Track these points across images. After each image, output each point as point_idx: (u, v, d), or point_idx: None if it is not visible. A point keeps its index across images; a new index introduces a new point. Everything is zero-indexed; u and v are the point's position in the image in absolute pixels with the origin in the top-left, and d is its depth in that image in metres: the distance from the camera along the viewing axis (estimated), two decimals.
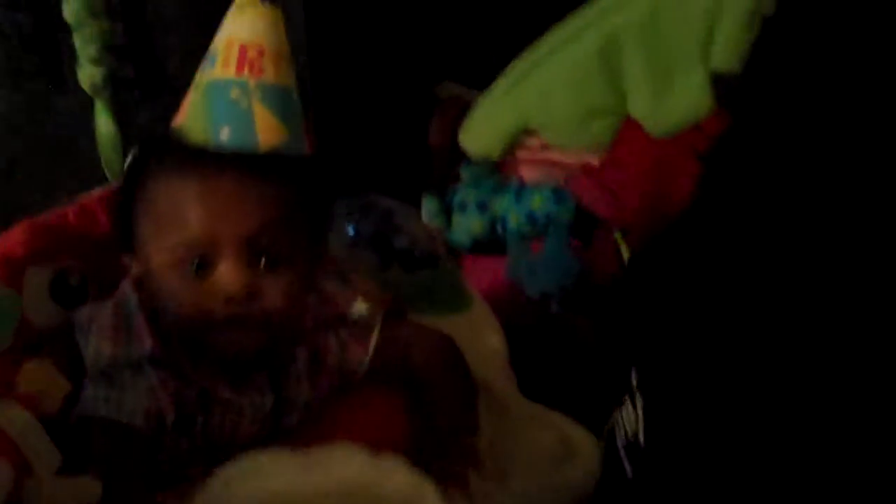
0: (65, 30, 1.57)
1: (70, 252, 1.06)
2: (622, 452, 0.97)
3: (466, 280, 1.26)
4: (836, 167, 0.88)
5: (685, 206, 1.04)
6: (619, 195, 1.50)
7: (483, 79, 1.96)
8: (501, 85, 0.98)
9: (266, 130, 0.97)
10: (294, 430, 0.99)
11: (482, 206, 1.56)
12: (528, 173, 1.68)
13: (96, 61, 1.33)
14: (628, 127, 0.97)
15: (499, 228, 1.54)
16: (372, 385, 1.03)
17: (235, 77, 0.99)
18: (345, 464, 0.75)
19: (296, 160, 0.98)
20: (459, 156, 1.90)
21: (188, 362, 0.96)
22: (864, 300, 0.84)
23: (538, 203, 1.49)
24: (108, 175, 1.40)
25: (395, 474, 0.77)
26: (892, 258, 0.84)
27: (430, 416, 1.01)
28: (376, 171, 1.78)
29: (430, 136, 1.98)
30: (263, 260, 0.94)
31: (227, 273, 0.93)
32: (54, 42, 1.60)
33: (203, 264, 0.93)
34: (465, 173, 1.63)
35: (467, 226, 1.55)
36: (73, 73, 1.62)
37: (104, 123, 1.34)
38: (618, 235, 1.46)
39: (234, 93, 0.99)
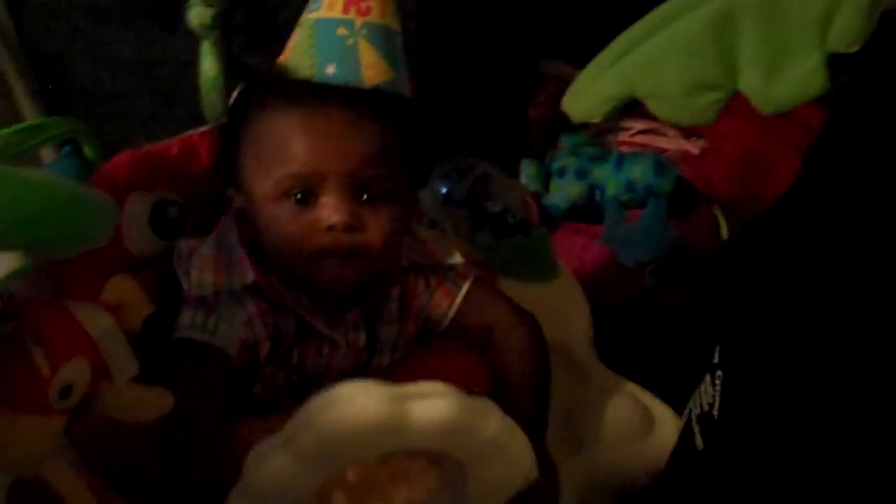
0: None
1: (171, 184, 1.08)
2: (694, 424, 0.96)
3: (557, 249, 1.25)
4: None
5: (782, 192, 1.02)
6: (713, 177, 1.49)
7: (587, 58, 1.98)
8: (609, 53, 0.97)
9: (371, 67, 0.99)
10: (383, 371, 1.01)
11: (581, 173, 1.56)
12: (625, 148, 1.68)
13: (207, 1, 1.33)
14: (727, 112, 0.95)
15: (597, 195, 1.54)
16: (459, 343, 1.04)
17: (342, 16, 1.01)
18: (438, 400, 0.73)
19: (399, 99, 0.99)
20: (557, 131, 1.90)
21: (288, 295, 0.98)
22: None
23: (639, 173, 1.49)
24: (206, 117, 1.43)
25: (489, 416, 0.76)
26: None
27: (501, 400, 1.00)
28: (476, 136, 1.80)
29: (531, 110, 1.98)
30: (365, 195, 0.95)
31: (330, 204, 0.94)
32: None
33: (306, 196, 0.95)
34: (564, 142, 1.63)
35: (565, 191, 1.56)
36: (185, 16, 1.66)
37: (209, 65, 1.36)
38: (717, 210, 1.44)
39: (341, 30, 1.00)
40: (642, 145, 1.72)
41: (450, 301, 1.04)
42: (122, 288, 0.90)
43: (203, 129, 1.15)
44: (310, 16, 1.02)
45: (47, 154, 1.53)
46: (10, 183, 0.73)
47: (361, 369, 1.01)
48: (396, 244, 0.99)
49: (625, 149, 1.69)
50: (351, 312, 1.00)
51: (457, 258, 1.05)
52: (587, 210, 1.56)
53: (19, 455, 0.78)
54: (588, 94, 0.99)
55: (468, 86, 1.82)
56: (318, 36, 1.01)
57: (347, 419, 0.71)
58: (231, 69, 1.49)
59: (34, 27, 1.79)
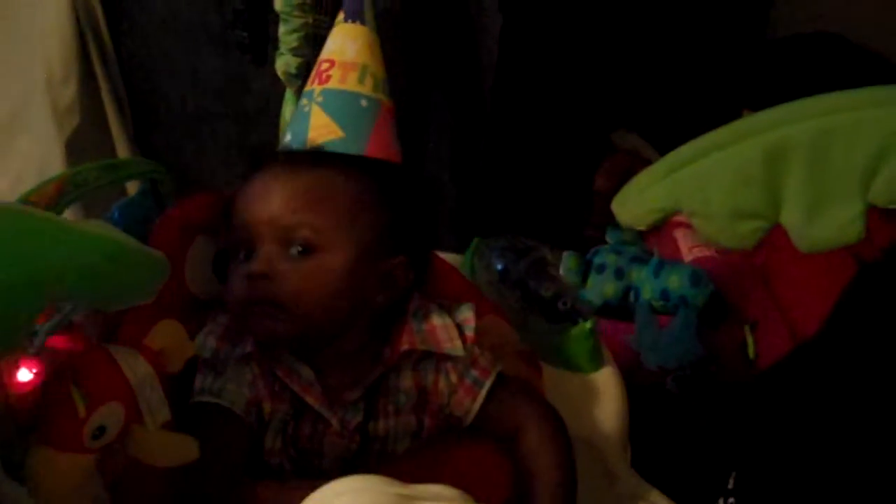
0: (276, 14, 1.67)
1: None
2: None
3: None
4: None
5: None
6: (778, 292, 1.49)
7: (657, 132, 2.00)
8: (662, 165, 1.00)
9: (317, 129, 1.07)
10: (394, 458, 1.00)
11: (619, 272, 1.58)
12: (681, 236, 1.68)
13: (295, 51, 1.38)
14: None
15: (631, 296, 1.56)
16: (482, 440, 1.01)
17: (309, 88, 1.11)
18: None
19: (349, 157, 1.03)
20: None
21: (283, 367, 0.98)
22: None
23: (675, 282, 1.51)
24: None
25: None
26: None
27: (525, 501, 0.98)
28: (540, 203, 1.82)
29: (598, 180, 1.99)
30: (297, 248, 0.95)
31: (255, 256, 0.96)
32: (264, 23, 1.70)
33: (249, 253, 0.97)
34: (610, 237, 1.65)
35: (601, 287, 1.58)
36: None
37: (290, 112, 1.39)
38: (747, 329, 1.45)
39: (304, 101, 1.11)
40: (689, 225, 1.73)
41: (472, 399, 1.01)
42: (167, 333, 0.94)
43: None
44: None
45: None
46: (69, 236, 0.77)
47: (359, 453, 1.00)
48: (324, 298, 0.96)
49: (679, 230, 1.70)
50: (349, 391, 0.99)
51: (459, 350, 1.00)
52: (620, 308, 1.58)
53: (51, 489, 0.82)
54: (637, 202, 1.02)
55: (537, 152, 1.85)
56: (294, 111, 1.13)
57: None
58: None
59: (129, 45, 1.86)
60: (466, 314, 1.03)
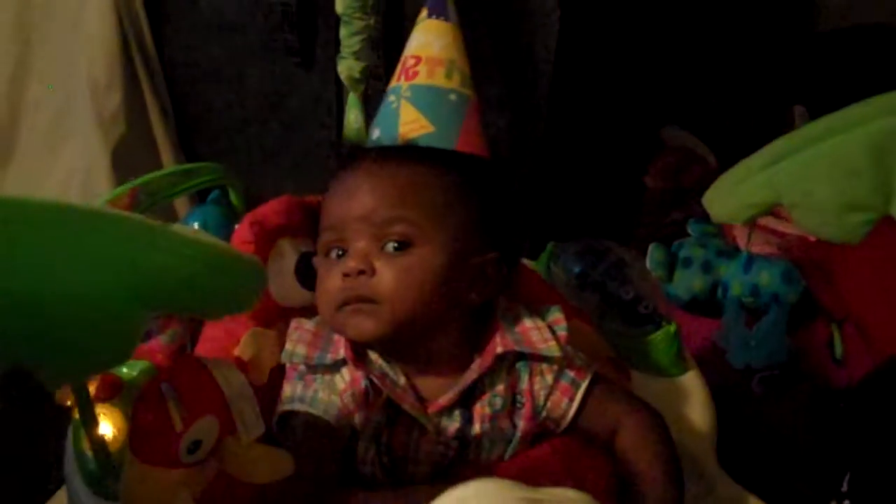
0: (324, 16, 1.65)
1: None
2: None
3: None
4: None
5: None
6: (843, 292, 1.46)
7: (715, 132, 1.98)
8: (759, 158, 0.96)
9: (408, 124, 1.06)
10: (492, 464, 0.97)
11: (706, 267, 1.54)
12: (739, 233, 1.66)
13: (357, 54, 1.36)
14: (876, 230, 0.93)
15: (719, 292, 1.53)
16: (578, 440, 0.99)
17: (395, 84, 1.11)
18: None
19: (440, 152, 1.02)
20: (672, 200, 1.89)
21: (379, 372, 0.96)
22: None
23: (766, 279, 1.47)
24: None
25: None
26: None
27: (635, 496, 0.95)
28: (592, 201, 1.79)
29: (648, 177, 1.97)
30: (389, 244, 0.94)
31: (350, 254, 0.95)
32: (313, 25, 1.68)
33: (341, 252, 0.96)
34: (692, 230, 1.62)
35: (689, 283, 1.54)
36: (323, 56, 1.69)
37: (353, 116, 1.38)
38: (834, 328, 1.42)
39: (391, 97, 1.10)
40: (763, 227, 1.70)
41: (569, 400, 0.99)
42: (257, 343, 0.92)
43: None
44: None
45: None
46: (167, 242, 0.74)
47: (455, 459, 0.97)
48: (421, 294, 0.94)
49: (739, 230, 1.67)
50: (444, 396, 0.97)
51: (555, 350, 0.98)
52: (708, 304, 1.54)
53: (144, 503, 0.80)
54: (733, 197, 0.99)
55: (590, 151, 1.82)
56: (380, 107, 1.12)
57: None
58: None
59: (173, 51, 1.83)
60: (556, 315, 1.01)
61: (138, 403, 0.80)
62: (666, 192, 1.94)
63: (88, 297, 0.70)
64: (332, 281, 0.95)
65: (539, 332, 0.99)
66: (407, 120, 1.07)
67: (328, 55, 1.64)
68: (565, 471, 0.94)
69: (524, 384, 0.99)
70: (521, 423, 0.98)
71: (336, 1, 1.35)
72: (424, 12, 1.14)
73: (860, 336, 1.45)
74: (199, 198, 1.36)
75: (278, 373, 0.98)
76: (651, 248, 1.57)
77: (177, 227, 0.78)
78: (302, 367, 0.97)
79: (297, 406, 0.95)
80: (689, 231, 1.63)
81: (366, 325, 0.94)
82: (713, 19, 2.07)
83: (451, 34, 1.12)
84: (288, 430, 0.96)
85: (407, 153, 1.00)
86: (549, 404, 0.99)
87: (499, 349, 0.97)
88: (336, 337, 0.98)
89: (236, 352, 0.88)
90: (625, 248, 1.31)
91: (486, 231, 0.98)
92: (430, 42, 1.11)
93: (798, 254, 1.61)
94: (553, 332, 0.99)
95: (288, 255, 1.04)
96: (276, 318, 1.02)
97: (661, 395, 1.09)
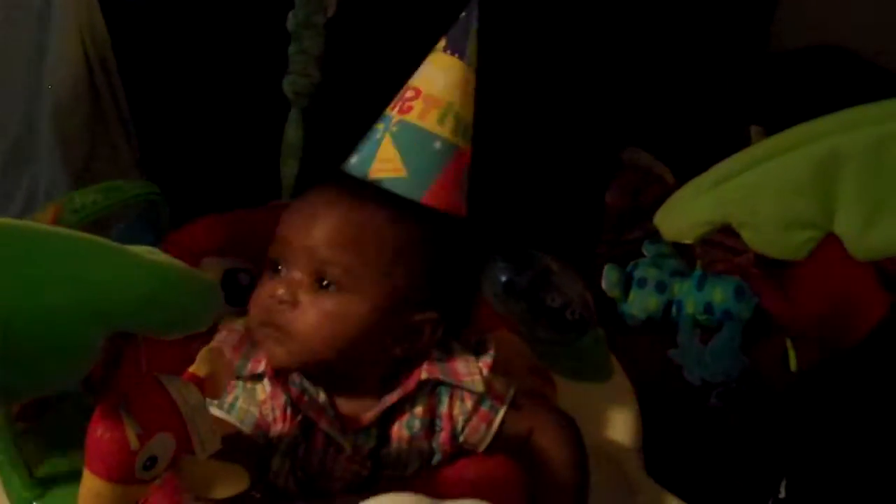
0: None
1: (249, 251, 1.11)
2: None
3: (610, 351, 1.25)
4: None
5: (865, 332, 1.03)
6: (797, 306, 1.50)
7: (673, 152, 2.02)
8: (708, 177, 0.99)
9: (382, 162, 1.00)
10: (406, 479, 0.99)
11: (661, 287, 1.58)
12: (697, 250, 1.69)
13: (304, 71, 1.38)
14: (821, 245, 0.96)
15: (674, 310, 1.56)
16: (494, 454, 1.01)
17: (387, 113, 1.03)
18: None
19: (403, 201, 0.97)
20: (632, 218, 1.93)
21: (296, 390, 0.97)
22: None
23: (719, 296, 1.51)
24: (282, 179, 1.47)
25: None
26: None
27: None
28: (551, 220, 1.82)
29: (609, 196, 2.00)
30: (324, 281, 0.94)
31: (283, 277, 0.96)
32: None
33: (277, 268, 0.97)
34: (647, 250, 1.65)
35: (644, 302, 1.58)
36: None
37: (292, 132, 1.41)
38: (788, 342, 1.46)
39: (379, 125, 1.03)
40: (718, 243, 1.73)
41: (487, 426, 1.01)
42: (213, 360, 0.93)
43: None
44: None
45: None
46: (124, 262, 0.75)
47: (369, 478, 0.99)
48: (334, 340, 0.95)
49: (701, 248, 1.71)
50: (363, 416, 0.98)
51: (478, 386, 0.99)
52: (663, 322, 1.58)
53: None
54: (683, 215, 1.01)
55: (550, 170, 1.85)
56: (369, 131, 1.04)
57: None
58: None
59: (135, 71, 1.84)
60: (486, 345, 1.02)
61: (94, 421, 0.81)
62: (625, 210, 1.98)
63: (47, 315, 0.71)
64: (261, 295, 0.96)
65: (466, 366, 1.00)
66: (383, 157, 1.00)
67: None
68: (476, 484, 0.96)
69: (444, 408, 1.00)
70: (439, 447, 1.00)
71: (287, 19, 1.37)
72: (442, 43, 1.05)
73: (813, 349, 1.49)
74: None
75: None
76: (606, 268, 1.60)
77: (133, 248, 0.79)
78: None
79: (215, 411, 0.96)
80: (644, 251, 1.67)
81: (276, 352, 0.95)
82: (671, 41, 2.11)
83: (461, 75, 1.03)
84: None
85: (368, 195, 0.98)
86: (467, 430, 1.01)
87: (423, 375, 0.98)
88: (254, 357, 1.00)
89: (192, 369, 0.89)
90: (551, 257, 1.33)
91: (428, 290, 0.97)
92: (435, 78, 1.03)
93: (754, 270, 1.65)
94: (478, 364, 1.00)
95: (213, 272, 1.05)
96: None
97: (589, 400, 1.14)
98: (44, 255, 0.71)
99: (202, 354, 0.93)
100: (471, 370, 1.00)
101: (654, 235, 1.67)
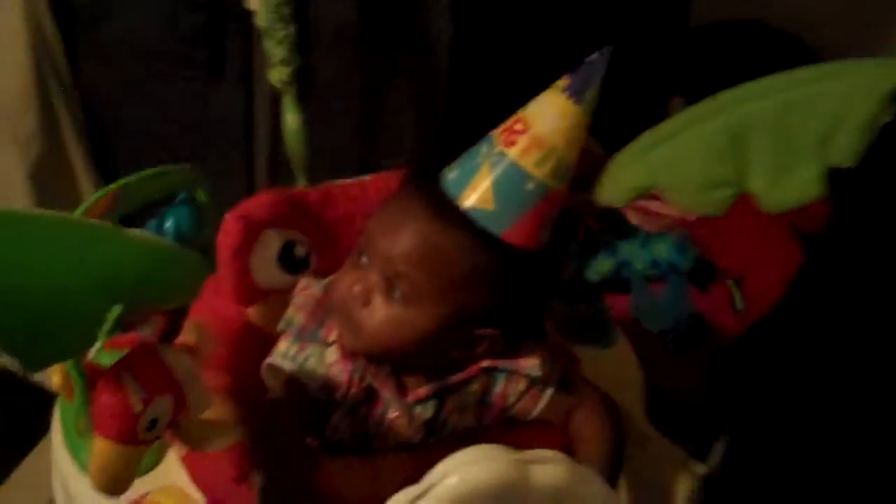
0: (233, 33, 1.74)
1: (304, 226, 1.19)
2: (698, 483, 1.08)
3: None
4: None
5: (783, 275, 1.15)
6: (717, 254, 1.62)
7: (600, 126, 2.12)
8: (636, 147, 1.10)
9: (475, 189, 1.01)
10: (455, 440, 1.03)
11: (610, 249, 1.69)
12: (631, 217, 1.81)
13: (284, 61, 1.43)
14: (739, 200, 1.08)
15: (624, 270, 1.67)
16: (535, 424, 1.10)
17: (494, 136, 1.03)
18: (555, 466, 0.84)
19: (484, 232, 1.00)
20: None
21: (365, 361, 1.05)
22: None
23: (663, 250, 1.62)
24: (291, 164, 1.49)
25: (596, 484, 0.87)
26: None
27: None
28: None
29: None
30: (396, 289, 1.00)
31: (365, 273, 1.02)
32: (223, 42, 1.77)
33: (363, 259, 1.03)
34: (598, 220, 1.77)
35: (598, 266, 1.69)
36: (234, 73, 1.79)
37: (291, 118, 1.45)
38: (732, 284, 1.57)
39: (483, 148, 1.03)
40: (641, 208, 1.85)
41: (535, 403, 1.09)
42: (197, 331, 1.02)
43: (343, 181, 1.28)
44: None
45: None
46: (126, 244, 0.85)
47: (422, 442, 1.06)
48: (399, 343, 1.01)
49: (631, 214, 1.82)
50: (424, 388, 1.06)
51: (536, 371, 1.06)
52: (617, 282, 1.69)
53: (109, 479, 0.89)
54: (615, 183, 1.12)
55: None
56: (476, 146, 1.05)
57: (479, 479, 0.81)
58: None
59: (86, 70, 1.91)
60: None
61: (100, 388, 0.90)
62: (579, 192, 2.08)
63: (59, 292, 0.80)
64: (344, 282, 1.03)
65: (527, 351, 1.08)
66: (476, 185, 1.01)
67: (241, 71, 1.75)
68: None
69: (498, 388, 1.08)
70: (488, 420, 1.09)
71: (256, 17, 1.43)
72: (565, 82, 1.05)
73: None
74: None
75: None
76: (585, 264, 1.71)
77: (129, 230, 0.89)
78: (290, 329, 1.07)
79: (287, 364, 1.05)
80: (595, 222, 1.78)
81: (346, 337, 1.03)
82: (598, 20, 2.21)
83: (574, 120, 1.04)
84: (272, 383, 1.06)
85: (456, 219, 1.00)
86: (515, 408, 1.09)
87: (485, 363, 1.06)
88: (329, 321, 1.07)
89: (181, 338, 0.98)
90: None
91: (493, 313, 1.02)
92: (548, 117, 1.02)
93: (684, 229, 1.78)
94: (538, 352, 1.08)
95: (272, 243, 1.14)
96: (258, 298, 1.13)
97: (596, 363, 1.21)
98: (53, 241, 0.80)
99: (188, 326, 1.03)
100: (531, 358, 1.07)
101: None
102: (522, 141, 1.01)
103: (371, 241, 1.02)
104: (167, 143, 1.93)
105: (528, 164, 1.00)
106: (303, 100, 1.71)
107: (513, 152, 1.00)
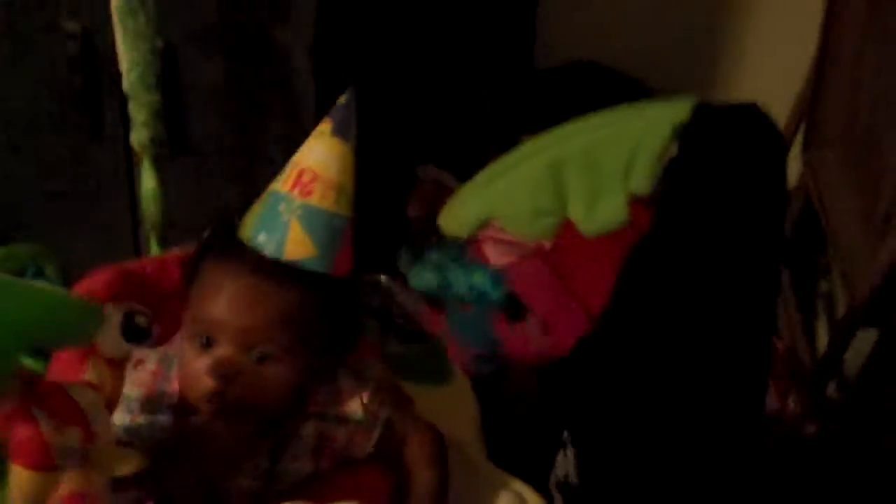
0: (109, 95, 1.85)
1: (142, 298, 1.24)
2: (554, 491, 1.23)
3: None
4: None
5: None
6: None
7: (458, 164, 2.27)
8: (477, 181, 1.24)
9: (294, 243, 1.09)
10: (292, 491, 1.13)
11: (439, 268, 1.88)
12: (490, 249, 2.00)
13: (145, 125, 1.51)
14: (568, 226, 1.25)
15: (446, 291, 1.87)
16: (367, 464, 1.18)
17: (287, 192, 1.10)
18: None
19: (314, 275, 1.09)
20: (431, 228, 2.19)
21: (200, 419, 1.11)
22: None
23: (479, 279, 1.83)
24: (146, 225, 1.56)
25: None
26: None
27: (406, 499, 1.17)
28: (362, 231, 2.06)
29: (410, 208, 2.27)
30: (255, 353, 1.07)
31: (218, 354, 1.08)
32: (101, 103, 1.88)
33: (208, 342, 1.08)
34: (440, 243, 1.95)
35: (424, 279, 1.88)
36: (113, 132, 1.89)
37: (148, 179, 1.51)
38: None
39: (282, 206, 1.10)
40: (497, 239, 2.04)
41: (368, 441, 1.17)
42: (97, 370, 1.15)
43: (177, 250, 1.33)
44: (272, 185, 1.13)
45: None
46: (14, 292, 0.97)
47: (264, 492, 1.13)
48: (279, 399, 1.10)
49: (489, 245, 2.01)
50: (258, 441, 1.13)
51: (359, 415, 1.16)
52: (438, 299, 1.88)
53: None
54: (458, 215, 1.28)
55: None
56: (265, 205, 1.12)
57: None
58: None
59: None
60: (363, 372, 1.20)
61: (14, 421, 1.00)
62: (424, 220, 2.24)
63: None
64: (198, 370, 1.09)
65: (349, 395, 1.17)
66: (295, 239, 1.09)
67: (118, 131, 1.85)
68: (353, 487, 1.14)
69: (328, 432, 1.16)
70: (322, 463, 1.16)
71: (123, 81, 1.48)
72: (328, 125, 1.13)
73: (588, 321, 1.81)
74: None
75: None
76: (402, 250, 1.89)
77: (32, 282, 1.02)
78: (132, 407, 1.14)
79: (122, 434, 1.13)
80: (438, 242, 1.97)
81: (236, 424, 1.10)
82: (449, 68, 2.38)
83: (348, 156, 1.13)
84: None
85: (292, 276, 1.08)
86: (348, 449, 1.17)
87: (315, 408, 1.16)
88: (172, 374, 1.15)
89: (85, 377, 1.11)
90: (387, 277, 1.52)
91: (332, 343, 1.13)
92: (329, 163, 1.11)
93: (533, 264, 1.98)
94: (360, 394, 1.17)
95: (113, 315, 1.19)
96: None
97: (433, 400, 1.29)
98: None
99: (91, 367, 1.15)
100: (353, 401, 1.16)
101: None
102: (318, 187, 1.10)
103: (218, 323, 1.07)
104: (54, 201, 2.02)
105: (330, 205, 1.10)
106: (179, 156, 1.85)
107: (314, 200, 1.10)
